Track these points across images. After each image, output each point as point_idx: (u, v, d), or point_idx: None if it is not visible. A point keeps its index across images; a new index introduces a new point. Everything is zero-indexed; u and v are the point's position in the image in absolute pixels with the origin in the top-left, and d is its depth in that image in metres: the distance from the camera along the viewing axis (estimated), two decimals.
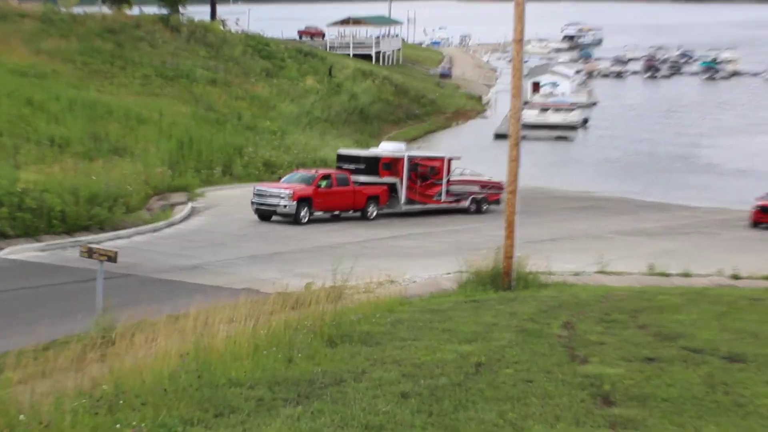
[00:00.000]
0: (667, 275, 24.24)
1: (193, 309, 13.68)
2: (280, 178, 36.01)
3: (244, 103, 59.73)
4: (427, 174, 38.01)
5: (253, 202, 33.76)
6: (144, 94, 53.61)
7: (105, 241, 27.57)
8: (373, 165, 36.35)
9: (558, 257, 25.85)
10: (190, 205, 35.52)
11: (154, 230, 30.37)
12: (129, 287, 20.43)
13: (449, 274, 22.31)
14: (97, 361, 11.56)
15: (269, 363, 10.73)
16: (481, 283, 19.68)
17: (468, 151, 54.36)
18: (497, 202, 39.80)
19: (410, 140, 72.28)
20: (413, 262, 25.67)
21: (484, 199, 40.21)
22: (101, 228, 29.34)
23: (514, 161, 20.11)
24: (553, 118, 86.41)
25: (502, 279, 19.76)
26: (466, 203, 39.72)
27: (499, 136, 75.18)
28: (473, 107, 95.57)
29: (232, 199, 38.50)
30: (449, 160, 39.36)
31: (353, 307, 15.31)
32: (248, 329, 11.80)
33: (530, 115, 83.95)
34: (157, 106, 49.23)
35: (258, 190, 33.80)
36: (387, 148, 38.70)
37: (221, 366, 10.38)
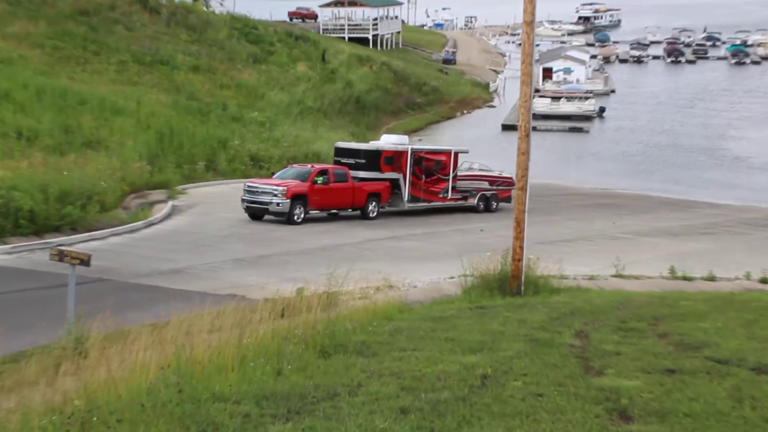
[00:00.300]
0: (690, 279, 24.30)
1: (173, 317, 13.70)
2: (272, 174, 36.28)
3: (229, 92, 59.76)
4: (432, 169, 38.23)
5: (243, 200, 33.88)
6: (120, 82, 53.60)
7: (77, 242, 27.57)
8: (374, 159, 36.55)
9: (571, 260, 25.90)
10: (170, 203, 35.56)
11: (132, 231, 30.39)
12: (104, 293, 20.42)
13: (453, 278, 22.35)
14: (68, 375, 11.58)
15: (256, 376, 10.75)
16: (488, 288, 19.72)
17: (474, 144, 54.43)
18: (508, 199, 40.03)
19: (411, 132, 72.36)
20: (414, 265, 25.72)
21: (494, 196, 40.43)
22: (73, 229, 29.33)
23: (524, 154, 20.12)
24: (566, 107, 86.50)
25: (510, 283, 19.79)
26: (474, 201, 39.89)
27: (508, 127, 75.27)
28: (480, 95, 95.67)
29: (217, 197, 38.51)
30: (456, 154, 39.56)
31: (348, 315, 15.32)
32: (234, 339, 11.82)
33: (542, 104, 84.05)
34: (135, 95, 49.24)
35: (249, 186, 33.94)
36: (389, 140, 38.93)
37: (204, 379, 10.40)
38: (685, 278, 24.34)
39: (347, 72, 76.89)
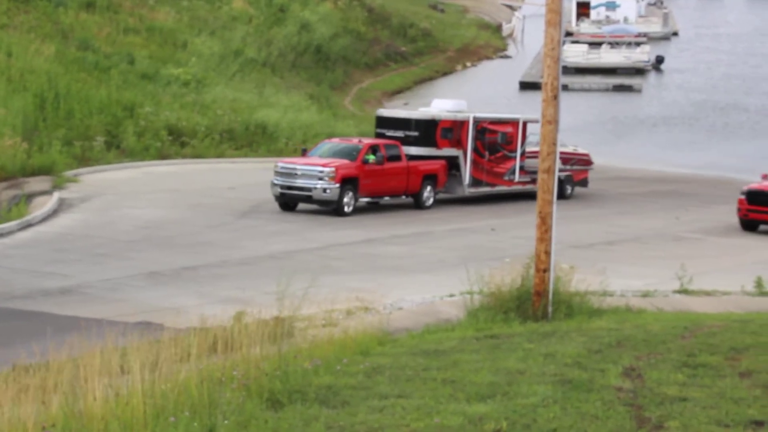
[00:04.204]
0: None
1: (60, 355, 13.62)
2: (304, 152, 38.31)
3: (138, 39, 59.48)
4: (497, 144, 40.52)
5: (274, 184, 35.77)
6: None
7: None
8: (429, 131, 38.89)
9: (619, 269, 25.95)
10: (56, 195, 35.41)
11: (1, 234, 30.26)
12: None
13: (453, 296, 22.35)
14: None
15: None
16: (502, 309, 19.73)
17: (483, 108, 54.38)
18: (584, 182, 42.97)
19: (394, 93, 72.39)
20: (399, 278, 25.73)
21: (568, 179, 42.36)
22: None
23: (551, 123, 20.14)
24: (609, 57, 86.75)
25: (534, 303, 19.81)
26: None
27: (528, 86, 75.42)
28: (489, 42, 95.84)
29: (122, 186, 38.35)
30: (525, 124, 41.51)
31: (308, 349, 15.32)
32: (146, 384, 11.79)
33: (576, 54, 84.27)
34: (3, 44, 48.94)
35: (283, 167, 35.91)
36: (443, 107, 41.09)
37: None
38: None
39: (303, 10, 76.72)
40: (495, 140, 40.59)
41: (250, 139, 49.14)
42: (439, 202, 39.27)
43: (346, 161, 36.08)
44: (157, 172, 42.46)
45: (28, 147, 38.58)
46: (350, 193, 35.68)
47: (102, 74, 50.20)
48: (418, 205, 38.21)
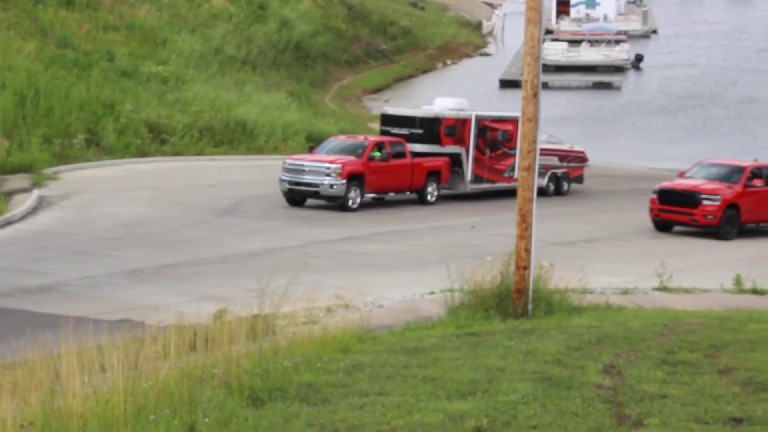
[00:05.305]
0: (763, 293, 24.46)
1: (39, 352, 13.58)
2: (311, 149, 39.18)
3: (118, 36, 59.32)
4: (497, 141, 41.49)
5: (282, 180, 36.80)
6: None
7: None
8: (432, 129, 39.95)
9: (598, 267, 26.01)
10: (36, 193, 35.33)
11: None
12: None
13: (434, 293, 22.38)
14: None
15: None
16: (482, 307, 19.76)
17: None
18: (580, 179, 44.01)
19: (374, 90, 72.33)
20: (379, 276, 25.73)
21: (565, 176, 43.67)
22: None
23: (531, 121, 20.18)
24: (589, 55, 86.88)
25: (514, 301, 19.85)
26: (543, 181, 41.86)
27: (508, 84, 75.45)
28: (469, 39, 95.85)
29: (102, 184, 38.24)
30: None
31: (288, 347, 15.31)
32: (126, 382, 11.76)
33: (556, 51, 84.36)
34: None
35: (291, 164, 36.96)
36: (446, 105, 42.14)
37: None
38: (757, 291, 24.47)
39: (283, 7, 76.63)
40: (496, 138, 41.54)
41: (230, 137, 49.11)
42: (437, 199, 39.67)
43: (352, 158, 37.07)
44: (137, 169, 42.37)
45: (7, 145, 38.49)
46: (356, 189, 36.68)
47: (82, 72, 50.04)
48: (422, 200, 39.21)
